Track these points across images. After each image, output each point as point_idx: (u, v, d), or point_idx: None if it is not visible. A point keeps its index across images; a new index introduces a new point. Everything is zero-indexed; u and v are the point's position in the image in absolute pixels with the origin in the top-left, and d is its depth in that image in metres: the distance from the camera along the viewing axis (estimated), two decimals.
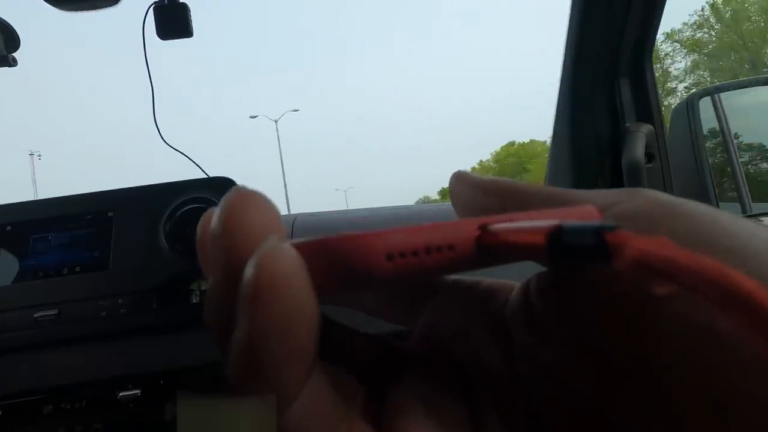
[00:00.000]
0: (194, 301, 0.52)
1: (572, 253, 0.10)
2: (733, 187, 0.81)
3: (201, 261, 0.12)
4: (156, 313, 0.50)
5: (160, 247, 0.52)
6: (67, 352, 0.48)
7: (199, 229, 0.12)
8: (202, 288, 0.53)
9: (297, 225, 0.61)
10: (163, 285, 0.51)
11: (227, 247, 0.09)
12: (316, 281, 0.09)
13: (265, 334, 0.09)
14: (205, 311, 0.11)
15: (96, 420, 0.45)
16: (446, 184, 0.16)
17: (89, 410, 0.45)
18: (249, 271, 0.09)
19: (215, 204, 0.53)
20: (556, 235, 0.10)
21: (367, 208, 0.72)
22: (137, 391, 0.46)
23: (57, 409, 0.45)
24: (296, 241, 0.10)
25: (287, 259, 0.09)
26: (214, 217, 0.10)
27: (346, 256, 0.10)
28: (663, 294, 0.09)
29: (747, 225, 0.11)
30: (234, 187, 0.10)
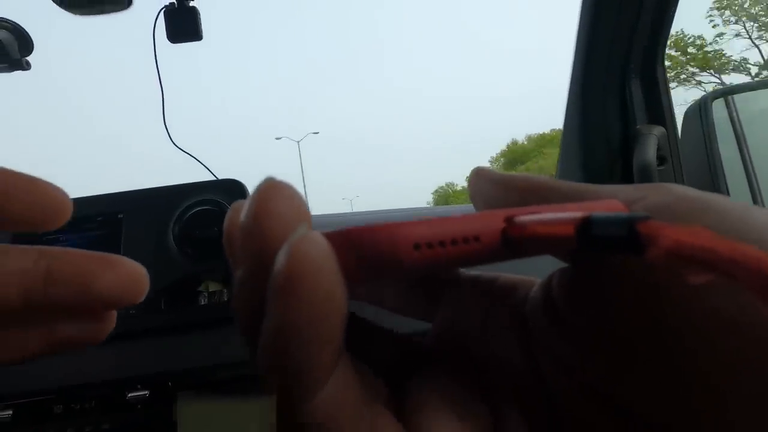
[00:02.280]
0: (202, 302, 0.52)
1: (602, 245, 0.09)
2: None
3: (228, 253, 0.12)
4: (164, 315, 0.50)
5: (169, 248, 0.52)
6: (76, 353, 0.48)
7: (226, 221, 0.12)
8: (210, 290, 0.54)
9: (318, 230, 0.62)
10: (171, 287, 0.51)
11: (258, 237, 0.10)
12: (344, 270, 0.09)
13: (296, 321, 0.09)
14: (233, 300, 0.11)
15: (105, 420, 0.45)
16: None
17: (98, 411, 0.45)
18: (281, 259, 0.09)
19: (224, 207, 0.54)
20: (586, 226, 0.09)
21: (375, 211, 0.72)
22: (146, 392, 0.46)
23: (67, 409, 0.45)
24: (325, 231, 0.10)
25: (318, 247, 0.09)
26: (244, 207, 0.10)
27: (374, 245, 0.10)
28: (698, 284, 0.08)
29: None
30: (264, 178, 0.10)
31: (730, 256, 0.08)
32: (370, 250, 0.10)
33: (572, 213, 0.10)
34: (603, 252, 0.10)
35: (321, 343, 0.09)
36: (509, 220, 0.10)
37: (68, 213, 0.14)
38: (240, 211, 0.10)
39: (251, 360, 0.10)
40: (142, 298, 0.14)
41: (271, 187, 0.10)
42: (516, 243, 0.10)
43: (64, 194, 0.14)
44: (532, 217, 0.10)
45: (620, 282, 0.11)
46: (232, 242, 0.12)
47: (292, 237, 0.09)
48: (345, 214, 0.71)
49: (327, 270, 0.09)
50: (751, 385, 0.09)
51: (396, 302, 0.17)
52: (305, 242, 0.09)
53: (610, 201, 0.12)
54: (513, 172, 0.15)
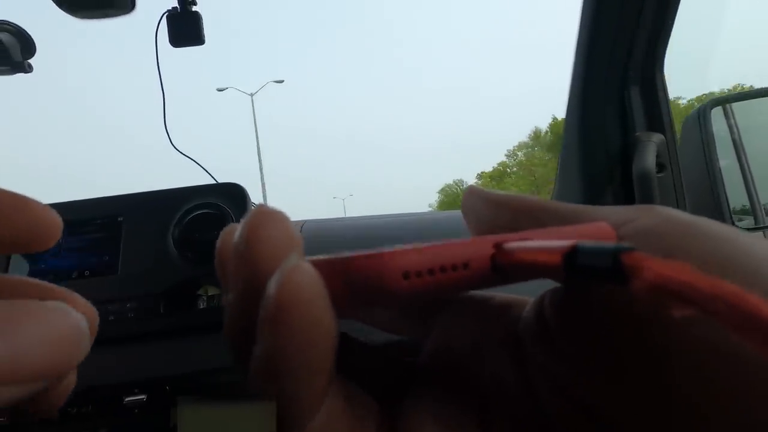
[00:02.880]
0: (201, 306, 0.52)
1: (588, 274, 0.10)
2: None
3: (220, 275, 0.12)
4: (163, 318, 0.50)
5: (168, 252, 0.52)
6: None
7: (219, 243, 0.12)
8: (210, 294, 0.54)
9: (305, 231, 0.62)
10: (170, 290, 0.51)
11: (250, 263, 0.10)
12: (334, 299, 0.09)
13: (286, 350, 0.09)
14: (224, 325, 0.11)
15: (102, 425, 0.45)
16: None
17: (96, 415, 0.45)
18: (271, 288, 0.09)
19: (225, 210, 0.54)
20: (572, 255, 0.10)
21: (373, 216, 0.72)
22: (143, 397, 0.46)
23: (64, 413, 0.45)
24: (314, 258, 0.10)
25: (308, 277, 0.09)
26: (236, 232, 0.10)
27: (363, 275, 0.10)
28: (681, 316, 0.09)
29: (764, 245, 0.11)
30: (257, 205, 0.10)
31: (709, 292, 0.08)
32: (360, 279, 0.10)
33: (560, 242, 0.10)
34: (588, 281, 0.10)
35: (310, 372, 0.09)
36: (498, 247, 0.11)
37: (57, 234, 0.13)
38: (232, 236, 0.10)
39: (243, 381, 0.10)
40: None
41: (262, 213, 0.10)
42: (505, 269, 0.10)
43: (53, 214, 0.13)
44: (520, 244, 0.11)
45: (608, 305, 0.11)
46: (225, 266, 0.12)
47: (284, 266, 0.09)
48: (339, 220, 0.71)
49: (317, 300, 0.09)
50: (735, 411, 0.09)
51: (389, 322, 0.17)
52: (295, 272, 0.09)
53: (599, 224, 0.12)
54: (505, 192, 0.15)
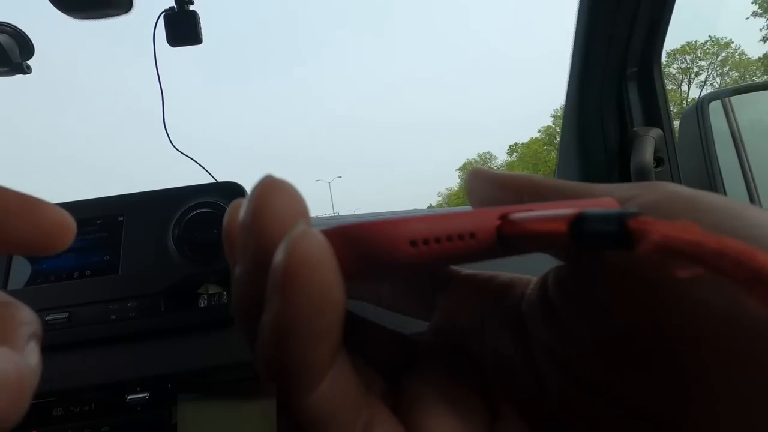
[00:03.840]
0: (202, 305, 0.52)
1: (594, 241, 0.10)
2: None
3: (227, 251, 0.12)
4: (164, 317, 0.50)
5: (169, 251, 0.52)
6: (76, 355, 0.48)
7: (225, 220, 0.12)
8: (210, 292, 0.54)
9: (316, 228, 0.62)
10: (171, 289, 0.51)
11: (258, 233, 0.10)
12: (342, 267, 0.09)
13: (295, 316, 0.09)
14: (233, 299, 0.11)
15: (105, 423, 0.45)
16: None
17: (98, 413, 0.45)
18: (279, 255, 0.09)
19: (224, 209, 0.54)
20: (578, 222, 0.10)
21: (377, 213, 0.72)
22: (145, 395, 0.46)
23: (67, 411, 0.45)
24: (322, 227, 0.10)
25: (316, 243, 0.09)
26: (243, 205, 0.10)
27: (371, 241, 0.10)
28: (687, 277, 0.09)
29: None
30: (263, 176, 0.10)
31: (716, 249, 0.08)
32: (368, 246, 0.10)
33: (565, 210, 0.10)
34: (595, 248, 0.10)
35: (319, 338, 0.09)
36: (504, 217, 0.11)
37: (71, 236, 0.13)
38: (239, 209, 0.10)
39: (244, 379, 0.10)
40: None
41: (269, 184, 0.10)
42: (511, 240, 0.11)
43: (66, 216, 0.13)
44: (526, 214, 0.11)
45: (613, 278, 0.11)
46: (232, 240, 0.12)
47: (291, 233, 0.09)
48: (340, 218, 0.71)
49: (325, 266, 0.09)
50: (742, 377, 0.09)
51: (394, 301, 0.17)
52: (304, 238, 0.09)
53: (605, 199, 0.12)
54: (512, 172, 0.15)
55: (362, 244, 0.10)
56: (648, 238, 0.09)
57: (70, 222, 0.13)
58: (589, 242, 0.10)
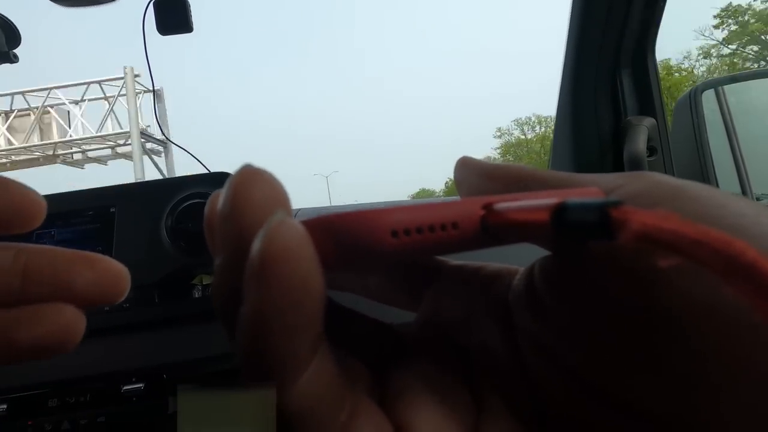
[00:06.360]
0: (196, 296, 0.52)
1: (576, 230, 0.10)
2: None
3: (209, 242, 0.12)
4: (158, 308, 0.50)
5: (161, 242, 0.52)
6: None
7: (206, 209, 0.12)
8: (204, 283, 0.54)
9: (299, 218, 0.61)
10: (165, 280, 0.51)
11: (235, 223, 0.10)
12: (322, 257, 0.09)
13: (273, 306, 0.09)
14: (212, 289, 0.11)
15: (100, 413, 0.45)
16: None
17: (94, 404, 0.45)
18: (257, 244, 0.09)
19: None
20: (560, 212, 0.10)
21: (368, 203, 0.72)
22: (140, 385, 0.46)
23: (62, 402, 0.45)
24: (302, 218, 0.10)
25: (294, 232, 0.09)
26: (221, 195, 0.10)
27: (351, 232, 0.10)
28: (667, 266, 0.09)
29: (753, 206, 0.11)
30: (242, 165, 0.10)
31: (694, 238, 0.08)
32: (348, 236, 0.10)
33: (548, 200, 0.10)
34: (577, 237, 0.10)
35: (298, 329, 0.09)
36: (488, 207, 0.11)
37: (42, 214, 0.13)
38: (218, 200, 0.10)
39: (240, 369, 0.10)
40: (122, 297, 0.14)
41: (248, 173, 0.10)
42: (494, 229, 0.11)
43: (36, 195, 0.13)
44: (509, 204, 0.11)
45: (597, 268, 0.11)
46: (212, 230, 0.12)
47: (269, 223, 0.09)
48: (334, 207, 0.71)
49: (303, 255, 0.09)
50: (722, 366, 0.09)
51: (381, 292, 0.17)
52: (281, 227, 0.09)
53: (590, 189, 0.12)
54: (499, 162, 0.15)
55: (342, 234, 0.10)
56: (628, 228, 0.09)
57: (38, 200, 0.13)
58: (571, 231, 0.10)
